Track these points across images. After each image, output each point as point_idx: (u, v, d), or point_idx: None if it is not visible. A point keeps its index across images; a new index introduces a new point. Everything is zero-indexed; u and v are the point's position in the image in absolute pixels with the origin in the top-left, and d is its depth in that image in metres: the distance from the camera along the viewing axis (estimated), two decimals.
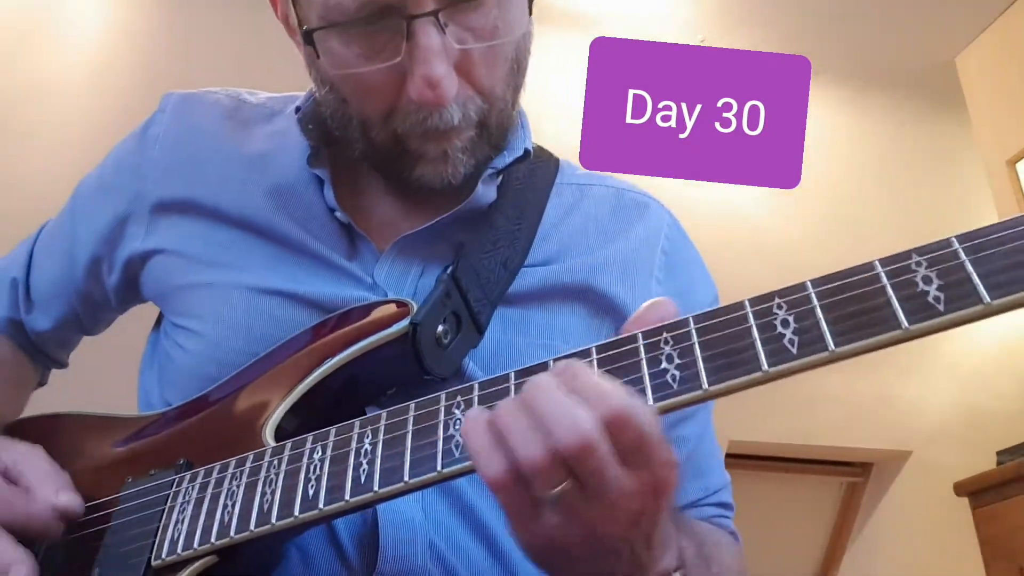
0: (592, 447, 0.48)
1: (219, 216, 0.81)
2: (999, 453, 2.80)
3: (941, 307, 0.45)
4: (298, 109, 0.82)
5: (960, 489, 2.65)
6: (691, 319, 0.52)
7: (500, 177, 0.80)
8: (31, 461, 0.70)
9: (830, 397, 3.28)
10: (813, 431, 3.33)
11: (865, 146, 3.54)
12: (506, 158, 0.79)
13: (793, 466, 3.55)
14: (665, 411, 0.50)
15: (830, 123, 3.39)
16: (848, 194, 3.41)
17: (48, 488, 0.68)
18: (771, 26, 3.12)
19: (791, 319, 0.49)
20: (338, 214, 0.78)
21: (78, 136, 2.53)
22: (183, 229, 0.82)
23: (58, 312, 0.91)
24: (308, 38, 0.71)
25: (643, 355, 0.52)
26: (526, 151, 0.80)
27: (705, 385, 0.49)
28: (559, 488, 0.49)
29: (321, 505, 0.57)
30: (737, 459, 3.19)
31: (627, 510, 0.50)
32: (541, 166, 0.85)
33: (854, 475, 3.64)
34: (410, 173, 0.75)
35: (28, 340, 0.93)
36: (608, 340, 0.54)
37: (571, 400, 0.48)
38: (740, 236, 3.08)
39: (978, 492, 2.59)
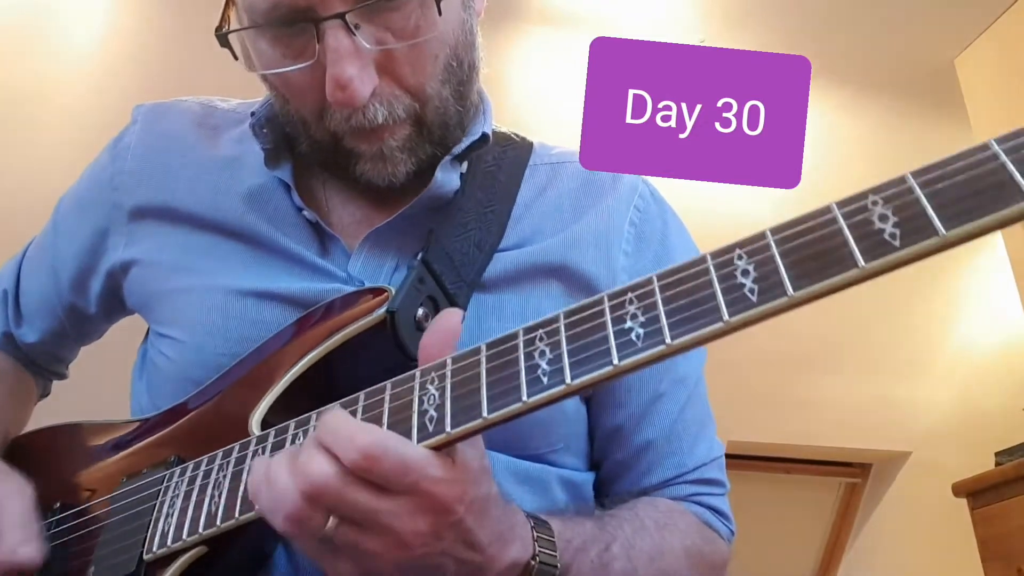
0: (326, 484, 0.51)
1: (193, 221, 0.81)
2: (997, 454, 2.80)
3: (897, 243, 0.45)
4: (253, 114, 0.82)
5: (958, 490, 2.65)
6: (655, 277, 0.52)
7: (465, 164, 0.80)
8: (10, 505, 0.71)
9: (829, 398, 3.28)
10: (812, 431, 3.34)
11: (864, 147, 3.54)
12: (463, 144, 0.79)
13: (792, 466, 3.56)
14: (632, 369, 0.49)
15: (829, 124, 3.40)
16: (848, 194, 3.40)
17: (10, 541, 0.68)
18: (771, 26, 3.13)
19: (751, 268, 0.48)
20: (305, 213, 0.79)
21: (78, 138, 2.52)
22: (159, 237, 0.82)
23: (45, 325, 0.92)
24: (223, 40, 0.72)
25: (608, 316, 0.51)
26: (484, 135, 0.80)
27: (668, 340, 0.48)
28: (328, 528, 0.52)
29: None
30: (737, 459, 3.19)
31: (414, 531, 0.52)
32: (512, 149, 0.85)
33: (853, 475, 3.64)
34: (353, 170, 0.75)
35: (23, 353, 0.94)
36: (574, 306, 0.54)
37: (316, 448, 0.52)
38: (740, 236, 3.07)
39: (976, 493, 2.59)
